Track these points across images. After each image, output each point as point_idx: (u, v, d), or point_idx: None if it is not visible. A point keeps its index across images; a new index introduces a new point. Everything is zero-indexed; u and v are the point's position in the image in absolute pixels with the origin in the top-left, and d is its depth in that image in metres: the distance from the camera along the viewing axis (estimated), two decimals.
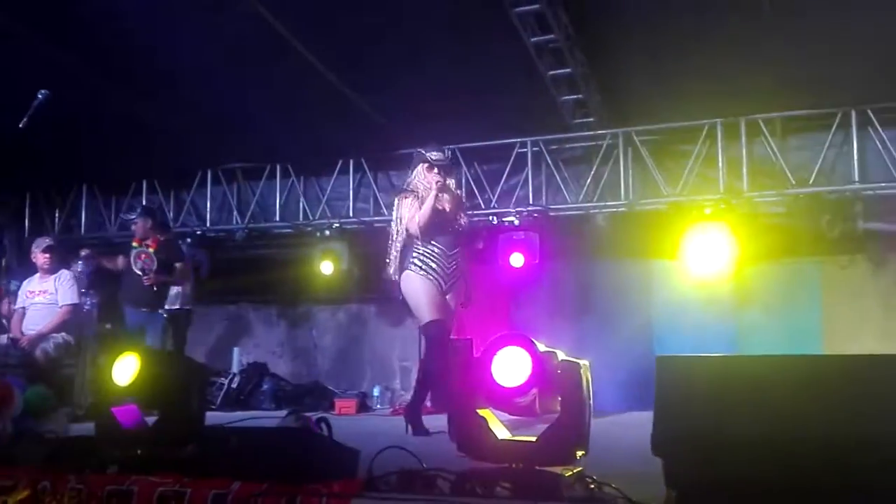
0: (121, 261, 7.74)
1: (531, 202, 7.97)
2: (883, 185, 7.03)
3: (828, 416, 2.34)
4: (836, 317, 7.58)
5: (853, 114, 7.04)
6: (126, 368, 3.32)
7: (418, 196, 5.48)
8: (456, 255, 5.53)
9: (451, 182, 5.67)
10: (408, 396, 9.06)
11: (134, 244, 7.58)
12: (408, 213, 5.47)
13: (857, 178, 7.05)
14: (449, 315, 5.45)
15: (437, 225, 5.44)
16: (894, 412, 2.32)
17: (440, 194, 5.46)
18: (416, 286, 5.42)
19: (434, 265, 5.43)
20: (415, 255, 5.46)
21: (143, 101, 7.54)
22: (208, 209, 9.22)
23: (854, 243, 7.50)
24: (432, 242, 5.45)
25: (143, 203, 9.10)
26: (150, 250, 7.45)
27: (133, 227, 7.68)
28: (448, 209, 5.53)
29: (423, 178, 5.52)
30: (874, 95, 6.91)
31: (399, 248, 5.55)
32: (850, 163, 7.08)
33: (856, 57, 6.25)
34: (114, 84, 7.26)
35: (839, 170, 7.20)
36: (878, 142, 7.01)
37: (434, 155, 5.51)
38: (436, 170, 5.48)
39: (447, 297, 5.46)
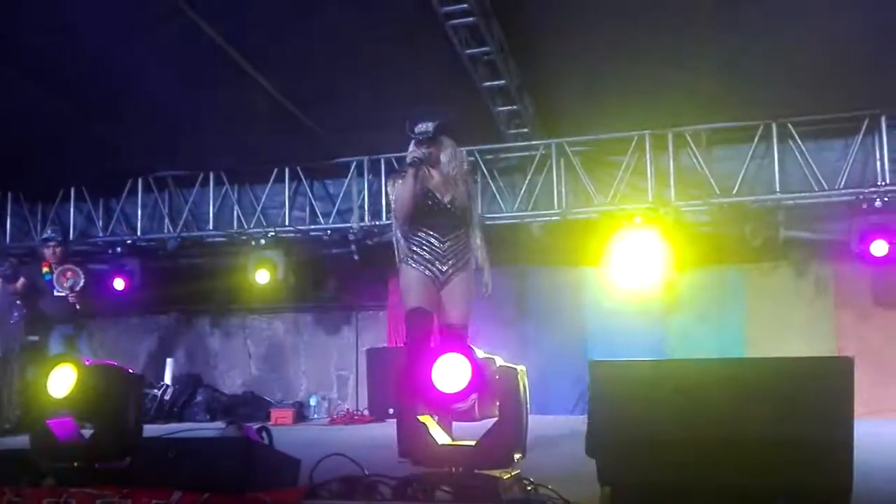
0: (21, 284, 7.51)
1: None
2: (803, 194, 7.31)
3: (751, 417, 2.47)
4: (760, 321, 7.86)
5: (774, 126, 7.30)
6: (61, 380, 3.28)
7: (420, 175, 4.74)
8: (455, 240, 4.77)
9: (444, 155, 4.79)
10: (345, 406, 9.11)
11: (46, 270, 7.43)
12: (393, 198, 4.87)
13: (778, 189, 7.32)
14: (433, 304, 4.75)
15: (423, 207, 4.74)
16: (814, 412, 2.47)
17: (426, 171, 4.74)
18: (406, 279, 4.77)
19: (426, 255, 4.73)
20: (408, 244, 4.79)
21: (71, 107, 7.40)
22: (139, 218, 9.05)
23: (776, 251, 7.79)
24: (422, 229, 4.75)
25: (58, 222, 9.04)
26: (75, 267, 7.35)
27: (48, 251, 7.50)
28: (435, 188, 4.77)
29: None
30: (794, 109, 7.19)
31: (398, 238, 4.87)
32: (772, 173, 7.33)
33: (776, 72, 6.52)
34: (40, 89, 7.11)
35: (761, 180, 7.45)
36: (797, 153, 7.29)
37: (415, 127, 4.77)
38: (424, 144, 4.73)
39: (448, 286, 4.73)
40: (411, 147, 4.79)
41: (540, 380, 8.19)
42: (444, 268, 4.72)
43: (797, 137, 7.28)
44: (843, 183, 7.18)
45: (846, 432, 2.39)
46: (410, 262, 4.74)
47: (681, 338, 8.00)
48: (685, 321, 8.08)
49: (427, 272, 4.71)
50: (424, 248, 4.73)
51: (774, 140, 7.32)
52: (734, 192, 7.45)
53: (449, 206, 4.76)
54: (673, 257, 7.61)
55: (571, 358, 8.11)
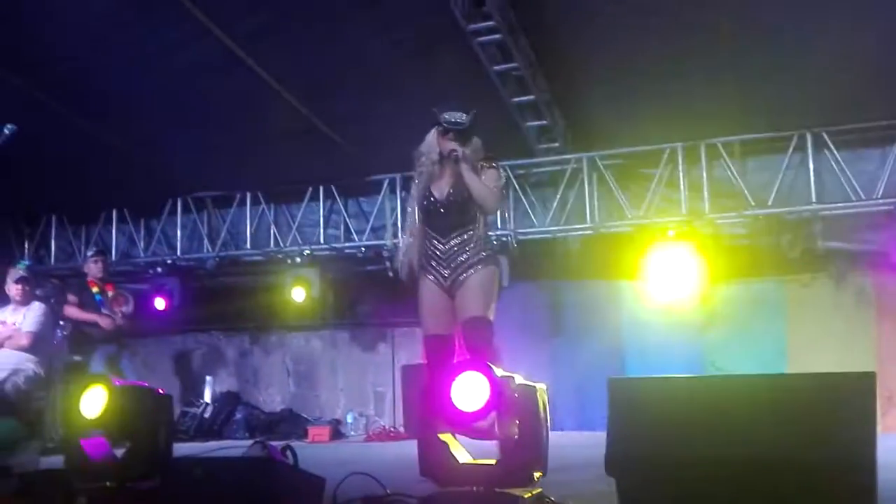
0: (72, 305, 7.67)
1: (499, 226, 8.07)
2: (839, 205, 7.18)
3: (769, 434, 2.44)
4: (800, 334, 7.74)
5: (809, 136, 7.20)
6: (94, 401, 3.36)
7: (426, 172, 4.38)
8: (459, 238, 4.31)
9: (470, 150, 4.34)
10: (382, 422, 9.15)
11: (95, 290, 7.61)
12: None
13: (814, 199, 7.20)
14: (449, 323, 4.36)
15: (422, 209, 4.41)
16: (835, 429, 2.43)
17: (437, 168, 4.34)
18: (419, 290, 4.41)
19: (429, 258, 4.36)
20: (420, 252, 4.44)
21: (111, 131, 7.58)
22: (179, 238, 9.23)
23: (815, 262, 7.68)
24: (427, 231, 4.39)
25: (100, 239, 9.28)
26: (126, 293, 7.57)
27: (95, 266, 7.67)
28: (434, 187, 4.40)
29: (434, 147, 4.37)
30: (829, 118, 7.09)
31: (407, 241, 4.59)
32: (808, 184, 7.22)
33: (810, 81, 6.43)
34: (81, 114, 7.30)
35: (797, 191, 7.33)
36: (833, 163, 7.17)
37: (447, 116, 4.29)
38: (450, 135, 4.29)
39: (461, 289, 4.28)
40: (432, 137, 4.40)
41: (577, 396, 8.20)
42: (447, 272, 4.30)
43: (832, 147, 7.17)
44: (880, 192, 7.04)
45: (868, 449, 2.35)
46: (422, 270, 4.38)
47: (719, 352, 7.90)
48: (724, 335, 7.98)
49: (431, 277, 4.34)
50: (429, 252, 4.35)
51: (809, 150, 7.21)
52: (769, 203, 7.34)
53: (445, 201, 4.32)
54: (709, 270, 7.53)
55: (608, 373, 8.01)
